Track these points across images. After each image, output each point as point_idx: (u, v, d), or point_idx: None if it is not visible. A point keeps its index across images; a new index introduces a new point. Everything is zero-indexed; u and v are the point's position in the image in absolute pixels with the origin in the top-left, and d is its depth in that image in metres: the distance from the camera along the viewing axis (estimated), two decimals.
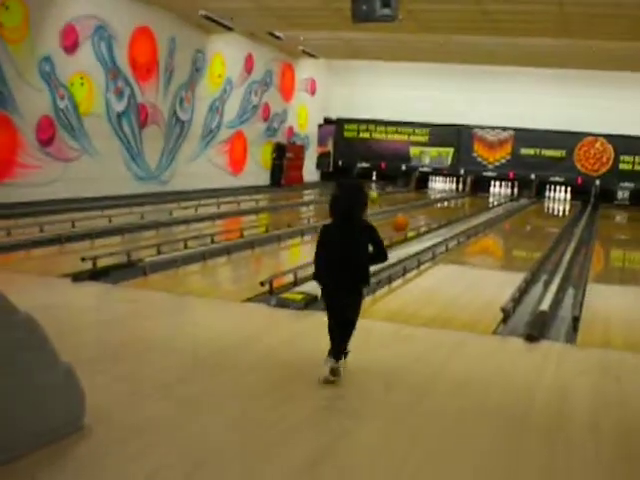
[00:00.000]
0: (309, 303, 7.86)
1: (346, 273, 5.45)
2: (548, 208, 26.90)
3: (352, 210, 5.48)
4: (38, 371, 4.11)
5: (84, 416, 4.34)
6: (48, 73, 15.92)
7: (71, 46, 16.49)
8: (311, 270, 9.51)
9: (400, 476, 4.06)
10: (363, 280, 5.54)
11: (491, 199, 28.25)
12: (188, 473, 3.90)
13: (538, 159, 29.22)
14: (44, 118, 15.99)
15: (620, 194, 28.45)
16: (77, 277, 8.56)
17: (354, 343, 5.88)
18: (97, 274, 8.78)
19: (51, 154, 16.24)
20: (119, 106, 18.41)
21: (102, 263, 9.21)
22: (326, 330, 5.66)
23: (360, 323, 6.36)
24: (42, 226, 12.17)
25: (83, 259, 9.15)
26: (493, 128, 29.66)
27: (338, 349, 5.49)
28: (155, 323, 7.14)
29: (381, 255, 5.58)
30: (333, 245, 5.49)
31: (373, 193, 25.26)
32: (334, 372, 5.41)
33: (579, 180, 28.75)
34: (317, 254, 5.59)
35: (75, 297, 7.98)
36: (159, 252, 10.54)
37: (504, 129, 29.55)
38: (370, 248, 5.52)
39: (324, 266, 5.56)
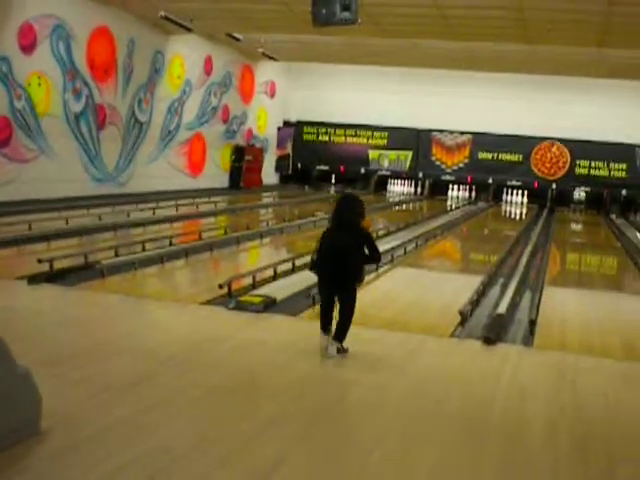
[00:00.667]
0: (268, 306, 7.86)
1: (341, 271, 6.32)
2: (505, 211, 27.13)
3: (351, 218, 6.40)
4: None
5: (41, 420, 4.30)
6: (5, 73, 15.74)
7: (29, 46, 16.31)
8: (269, 273, 9.67)
9: (361, 477, 4.08)
10: (356, 277, 6.42)
11: (449, 202, 28.42)
12: (149, 476, 3.88)
13: (495, 163, 29.44)
14: (1, 118, 15.81)
15: (576, 194, 28.76)
16: (33, 279, 8.47)
17: (311, 345, 5.90)
18: (54, 276, 8.71)
19: (7, 155, 16.05)
20: (77, 107, 18.25)
21: (59, 265, 9.13)
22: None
23: (317, 326, 6.41)
24: None
25: (40, 261, 9.06)
26: (451, 132, 29.85)
27: (337, 331, 6.36)
28: (113, 326, 7.10)
29: (374, 257, 6.53)
30: (333, 247, 6.37)
31: None
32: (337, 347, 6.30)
33: (536, 184, 29.01)
34: (317, 251, 6.50)
35: (32, 299, 7.91)
36: (117, 254, 10.47)
37: (462, 133, 29.74)
38: (366, 251, 6.40)
39: (324, 263, 6.41)
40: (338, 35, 19.84)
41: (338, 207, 6.50)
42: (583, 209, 28.34)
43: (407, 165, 30.42)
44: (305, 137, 31.24)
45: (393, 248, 12.67)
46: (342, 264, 6.30)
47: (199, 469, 4.01)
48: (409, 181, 30.82)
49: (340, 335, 6.34)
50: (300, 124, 31.27)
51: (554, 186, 28.93)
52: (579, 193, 28.79)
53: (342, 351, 6.34)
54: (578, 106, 27.67)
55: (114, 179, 20.12)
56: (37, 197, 16.29)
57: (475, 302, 8.61)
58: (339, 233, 6.40)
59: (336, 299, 6.46)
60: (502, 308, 8.18)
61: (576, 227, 23.81)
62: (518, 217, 25.70)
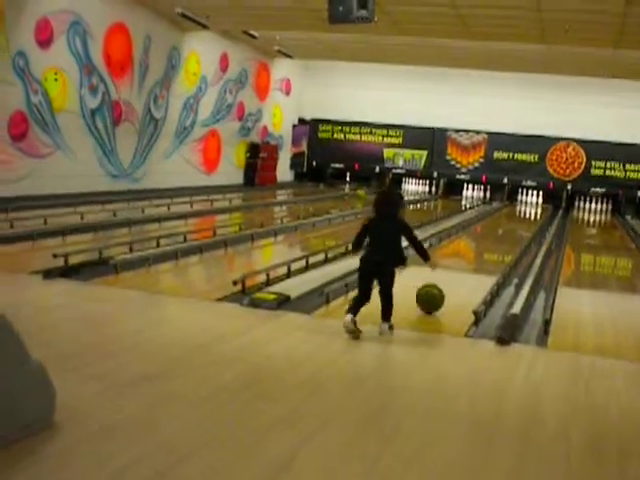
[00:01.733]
0: (281, 303, 7.86)
1: (384, 255, 7.05)
2: (520, 212, 27.05)
3: (393, 210, 7.27)
4: (8, 367, 4.08)
5: (54, 413, 4.32)
6: (22, 68, 15.79)
7: (46, 41, 16.35)
8: (283, 270, 9.68)
9: (370, 478, 4.07)
10: (398, 261, 7.15)
11: (464, 202, 28.35)
12: (159, 472, 3.88)
13: (511, 163, 29.37)
14: (17, 113, 15.85)
15: (592, 189, 28.65)
16: (48, 274, 8.50)
17: (323, 343, 5.88)
18: (68, 271, 8.73)
19: (23, 150, 16.10)
20: (93, 102, 18.28)
21: (74, 260, 9.16)
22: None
23: (332, 324, 6.43)
24: (12, 222, 12.08)
25: (55, 256, 9.09)
26: (467, 131, 29.78)
27: (383, 314, 7.02)
28: (126, 321, 7.11)
29: (416, 242, 7.42)
30: (376, 234, 7.14)
31: (361, 192, 25.38)
32: (352, 329, 6.75)
33: (551, 184, 28.93)
34: (358, 236, 7.25)
35: (46, 294, 7.93)
36: (131, 250, 10.50)
37: (478, 132, 29.68)
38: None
39: (372, 248, 7.14)
40: (354, 33, 19.81)
41: (382, 200, 7.33)
42: (599, 207, 28.34)
43: (422, 164, 30.38)
44: (320, 135, 31.25)
45: (406, 247, 12.62)
46: (387, 248, 7.07)
47: (207, 467, 4.01)
48: (424, 180, 30.79)
49: (387, 316, 7.00)
50: (315, 122, 31.27)
51: (569, 187, 28.85)
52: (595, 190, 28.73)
53: (391, 328, 7.01)
54: (594, 106, 27.56)
55: (129, 175, 20.16)
56: (52, 192, 16.33)
57: (489, 302, 8.59)
58: (383, 222, 7.15)
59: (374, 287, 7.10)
60: (516, 308, 8.16)
61: (590, 228, 23.73)
62: (533, 217, 25.62)
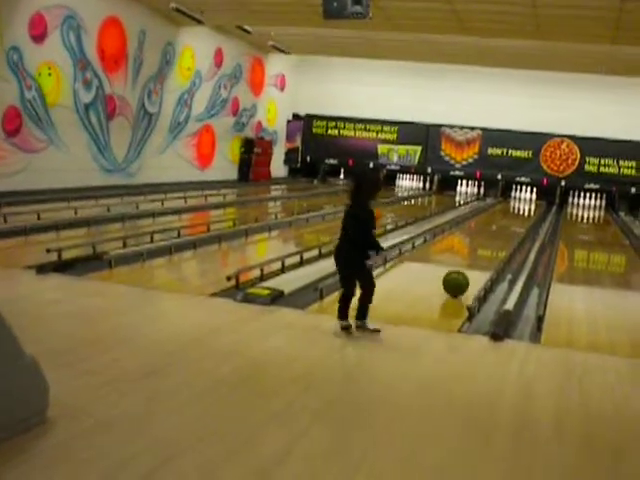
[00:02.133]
0: (275, 298, 7.86)
1: (347, 248, 6.64)
2: (514, 208, 27.07)
3: (353, 196, 6.66)
4: (1, 363, 4.07)
5: (47, 409, 4.31)
6: (15, 63, 15.75)
7: (39, 35, 16.32)
8: (277, 266, 9.68)
9: (364, 474, 4.06)
10: (362, 254, 6.64)
11: (458, 198, 28.38)
12: (155, 467, 3.88)
13: (505, 159, 29.39)
14: (11, 108, 15.82)
15: (586, 185, 28.71)
16: (41, 269, 8.48)
17: (317, 339, 5.88)
18: (62, 266, 8.72)
19: (17, 145, 16.08)
20: (87, 97, 18.26)
21: (67, 255, 9.15)
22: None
23: (324, 320, 6.42)
24: (6, 217, 12.06)
25: (48, 251, 9.09)
26: (461, 127, 29.79)
27: (359, 310, 6.69)
28: (120, 316, 7.10)
29: (368, 233, 6.62)
30: (348, 228, 6.64)
31: None
32: (346, 324, 6.67)
33: (545, 181, 28.96)
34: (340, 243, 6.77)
35: (39, 289, 7.91)
36: (125, 245, 10.49)
37: (472, 129, 29.69)
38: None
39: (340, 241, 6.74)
40: (349, 29, 19.81)
41: (352, 187, 6.74)
42: (592, 203, 28.40)
43: (416, 160, 30.38)
44: (314, 130, 31.22)
45: (401, 243, 12.66)
46: (357, 242, 6.59)
47: (204, 462, 4.01)
48: (418, 176, 30.79)
49: (361, 314, 6.70)
50: (310, 117, 31.25)
51: (563, 183, 28.90)
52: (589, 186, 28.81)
53: (366, 330, 6.69)
54: (588, 103, 27.60)
55: (123, 170, 20.15)
56: (46, 187, 16.31)
57: (483, 298, 8.60)
58: (356, 210, 6.65)
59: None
60: (510, 304, 8.17)
61: (584, 224, 23.77)
62: (526, 213, 25.64)
